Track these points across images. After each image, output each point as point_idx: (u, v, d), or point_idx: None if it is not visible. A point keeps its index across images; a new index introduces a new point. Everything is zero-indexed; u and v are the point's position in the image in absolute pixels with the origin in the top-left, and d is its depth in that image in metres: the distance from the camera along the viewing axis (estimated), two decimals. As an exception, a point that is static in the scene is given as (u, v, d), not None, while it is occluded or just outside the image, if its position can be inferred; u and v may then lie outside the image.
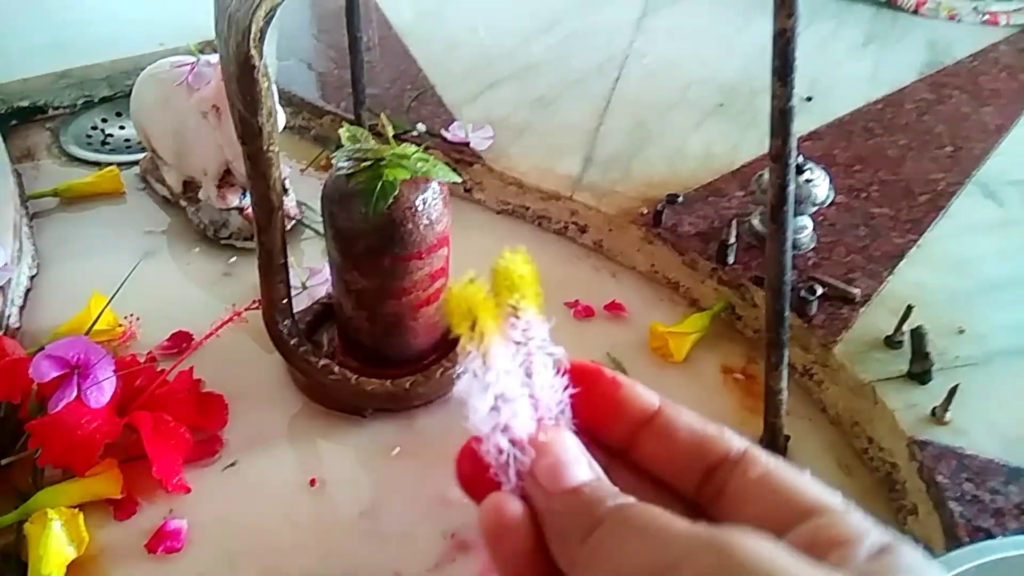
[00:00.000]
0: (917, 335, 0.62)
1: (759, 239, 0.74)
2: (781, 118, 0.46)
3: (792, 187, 0.48)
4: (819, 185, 0.70)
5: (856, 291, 0.68)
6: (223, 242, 0.80)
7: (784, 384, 0.57)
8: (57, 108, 0.99)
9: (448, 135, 0.90)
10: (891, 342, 0.65)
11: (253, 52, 0.47)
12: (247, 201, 0.80)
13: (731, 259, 0.72)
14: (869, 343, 0.65)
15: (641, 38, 1.13)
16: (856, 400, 0.63)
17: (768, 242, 0.51)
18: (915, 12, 1.21)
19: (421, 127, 0.92)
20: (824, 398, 0.66)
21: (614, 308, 0.74)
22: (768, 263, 0.52)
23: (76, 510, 0.53)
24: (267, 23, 0.46)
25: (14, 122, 0.97)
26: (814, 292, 0.67)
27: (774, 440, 0.60)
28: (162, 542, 0.53)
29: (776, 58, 0.44)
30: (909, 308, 0.64)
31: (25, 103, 0.97)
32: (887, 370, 0.63)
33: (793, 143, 0.47)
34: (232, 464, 0.60)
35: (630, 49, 1.10)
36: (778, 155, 0.47)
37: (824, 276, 0.70)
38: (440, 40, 1.11)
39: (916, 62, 1.08)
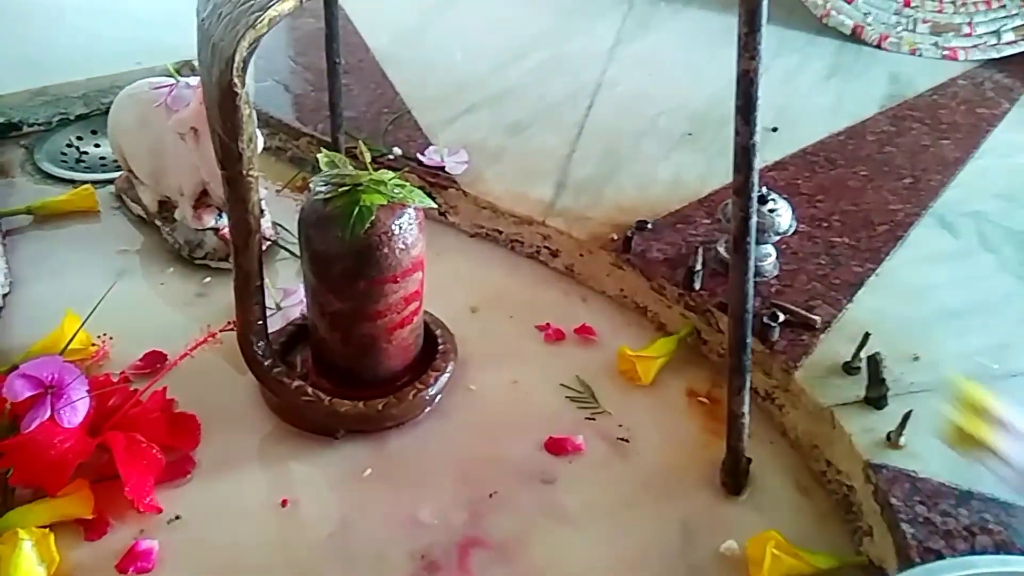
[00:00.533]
0: (873, 361, 0.64)
1: (724, 266, 0.76)
2: (744, 154, 0.48)
3: (754, 220, 0.50)
4: (782, 215, 0.73)
5: (816, 318, 0.71)
6: (198, 262, 0.81)
7: (746, 408, 0.59)
8: (32, 125, 0.99)
9: (424, 159, 0.91)
10: (849, 368, 0.67)
11: (236, 80, 0.48)
12: (223, 222, 0.81)
13: (697, 285, 0.74)
14: (828, 368, 0.67)
15: (613, 67, 1.16)
16: (815, 424, 0.65)
17: (731, 271, 0.53)
18: (878, 46, 1.25)
19: (397, 151, 0.93)
20: (785, 422, 0.68)
21: (584, 332, 0.76)
22: (730, 291, 0.54)
23: (47, 530, 0.53)
24: (250, 53, 0.48)
25: (-12, 139, 0.96)
26: (776, 319, 0.69)
27: (736, 463, 0.62)
28: (133, 563, 0.54)
29: (740, 97, 0.46)
30: (866, 335, 0.67)
31: (0, 120, 0.97)
32: (845, 395, 0.65)
33: (755, 178, 0.49)
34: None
35: (603, 78, 1.13)
36: (741, 189, 0.49)
37: (786, 303, 0.72)
38: (417, 65, 1.13)
39: (878, 95, 1.11)
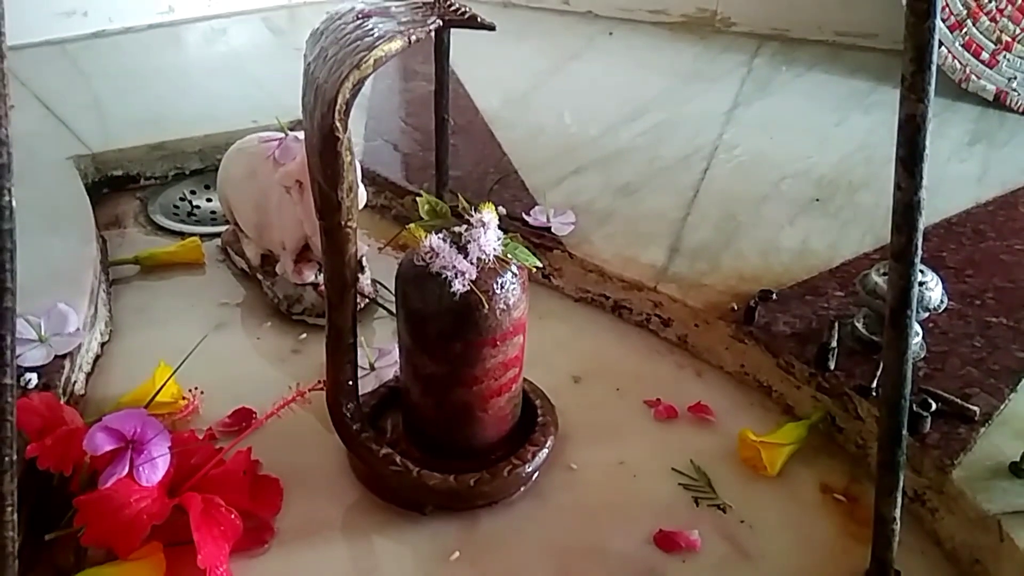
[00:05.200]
0: (1052, 464, 0.55)
1: (863, 344, 0.68)
2: (906, 212, 0.41)
3: (915, 290, 0.43)
4: (932, 289, 0.64)
5: (975, 408, 0.61)
6: (295, 318, 0.79)
7: (898, 513, 0.50)
8: (149, 178, 1.01)
9: (529, 219, 0.87)
10: (1018, 469, 0.57)
11: (337, 124, 0.45)
12: (323, 277, 0.79)
13: (832, 365, 0.66)
14: (992, 469, 0.58)
15: (731, 130, 1.10)
16: (977, 534, 0.56)
17: (885, 350, 0.46)
18: (1024, 113, 1.15)
19: (502, 210, 0.89)
20: (938, 529, 0.59)
21: (699, 411, 0.69)
22: (884, 374, 0.46)
23: (114, 597, 0.49)
24: (353, 95, 0.45)
25: (106, 190, 0.99)
26: (928, 407, 0.60)
27: (883, 575, 0.52)
28: (199, 640, 0.49)
29: (902, 146, 0.40)
30: (1040, 432, 0.57)
31: (119, 172, 1.00)
32: (1015, 502, 0.55)
33: (919, 241, 0.42)
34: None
35: (720, 140, 1.07)
36: (902, 253, 0.42)
37: (938, 389, 0.63)
38: (526, 127, 1.10)
39: (1029, 163, 1.01)
